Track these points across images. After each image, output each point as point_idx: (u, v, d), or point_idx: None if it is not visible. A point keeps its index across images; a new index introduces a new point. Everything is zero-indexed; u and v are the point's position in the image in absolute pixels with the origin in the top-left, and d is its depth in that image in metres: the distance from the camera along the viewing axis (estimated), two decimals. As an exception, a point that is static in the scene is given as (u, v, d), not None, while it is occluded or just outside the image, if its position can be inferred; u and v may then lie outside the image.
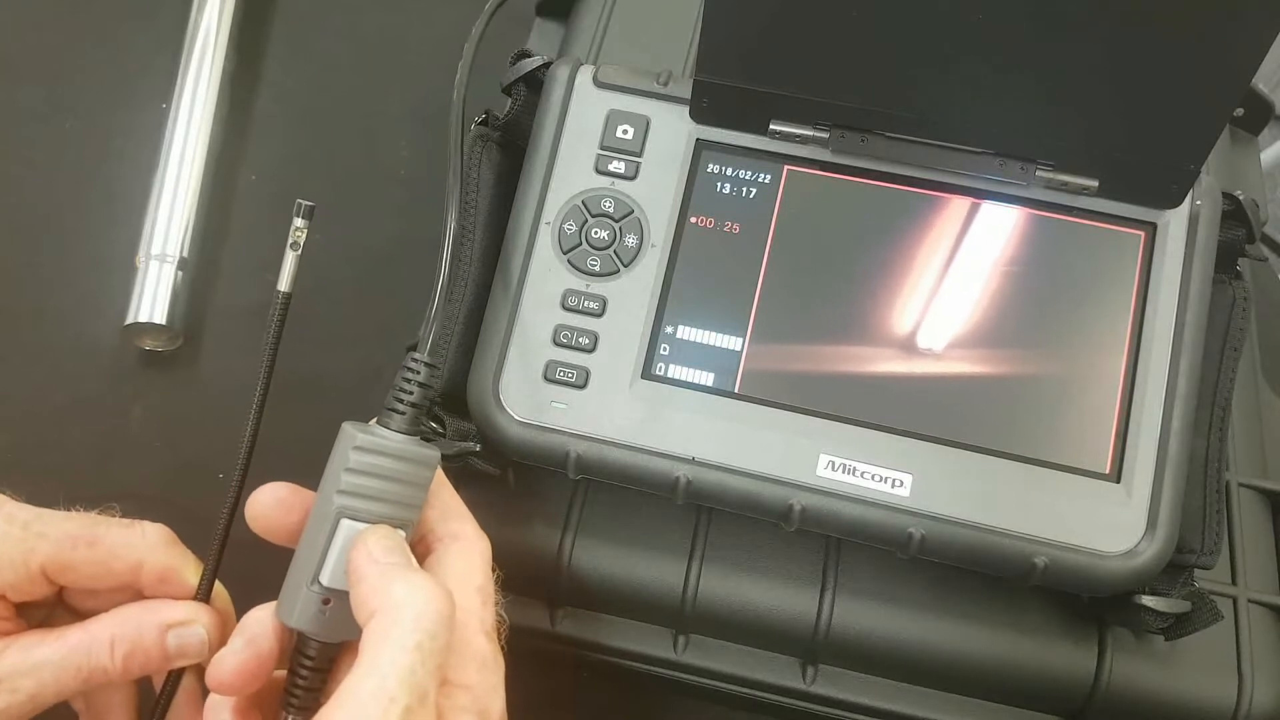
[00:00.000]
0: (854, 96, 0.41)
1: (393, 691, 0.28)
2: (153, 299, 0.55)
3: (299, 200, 0.35)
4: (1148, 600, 0.40)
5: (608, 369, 0.42)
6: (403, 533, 0.33)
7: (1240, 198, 0.42)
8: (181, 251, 0.56)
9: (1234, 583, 0.44)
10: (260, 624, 0.33)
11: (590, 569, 0.44)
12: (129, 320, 0.54)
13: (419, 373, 0.35)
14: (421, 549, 0.35)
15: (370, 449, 0.33)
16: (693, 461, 0.40)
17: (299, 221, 0.35)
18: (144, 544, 0.35)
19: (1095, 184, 0.41)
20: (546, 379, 0.41)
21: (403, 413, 0.34)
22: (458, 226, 0.40)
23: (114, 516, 0.36)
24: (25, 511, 0.34)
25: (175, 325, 0.55)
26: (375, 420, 0.35)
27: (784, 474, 0.40)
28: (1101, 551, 0.39)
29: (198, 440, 0.54)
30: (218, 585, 0.37)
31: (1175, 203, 0.41)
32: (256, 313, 0.57)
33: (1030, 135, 0.41)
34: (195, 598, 0.36)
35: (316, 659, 0.33)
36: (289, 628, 0.33)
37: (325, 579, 0.33)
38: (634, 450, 0.41)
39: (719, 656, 0.45)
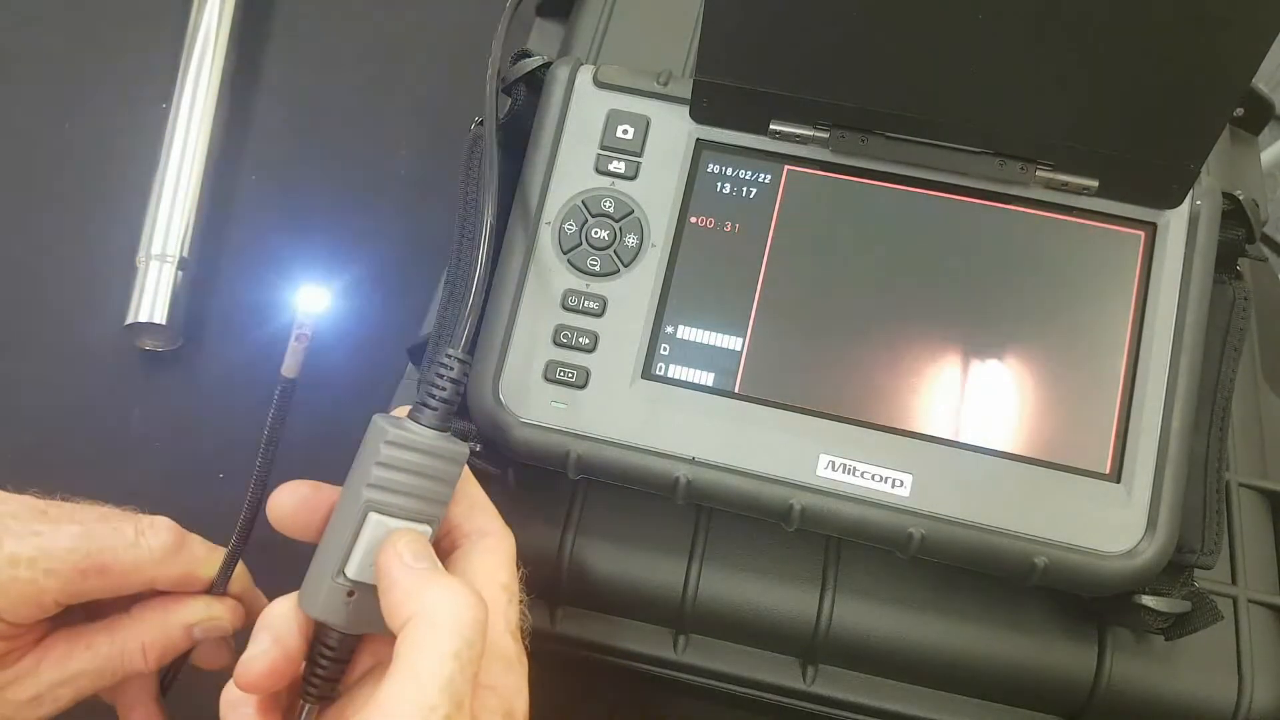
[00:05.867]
0: (854, 96, 0.41)
1: (433, 700, 0.28)
2: (153, 299, 0.55)
3: (297, 327, 0.34)
4: (1148, 600, 0.40)
5: (608, 369, 0.42)
6: (429, 530, 0.33)
7: (1240, 198, 0.42)
8: (181, 251, 0.56)
9: (1234, 583, 0.44)
10: (284, 620, 0.33)
11: (590, 568, 0.44)
12: (129, 320, 0.54)
13: (452, 369, 0.34)
14: (446, 544, 0.36)
15: (401, 444, 0.33)
16: (693, 461, 0.40)
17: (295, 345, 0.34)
18: (151, 561, 0.36)
19: (1095, 184, 0.41)
20: (546, 379, 0.41)
21: (434, 408, 0.34)
22: (493, 221, 0.39)
23: (127, 513, 0.36)
24: (26, 544, 0.34)
25: (175, 325, 0.55)
26: (407, 414, 0.34)
27: (784, 474, 0.40)
28: (1101, 551, 0.39)
29: (198, 440, 0.54)
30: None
31: (1175, 203, 0.41)
32: (256, 313, 0.57)
33: (1030, 135, 0.41)
34: (211, 589, 0.37)
35: (338, 650, 0.33)
36: (311, 618, 0.33)
37: (351, 572, 0.32)
38: (634, 450, 0.41)
39: (719, 656, 0.45)
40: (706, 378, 0.42)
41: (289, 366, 0.34)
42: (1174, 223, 0.42)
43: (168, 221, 0.56)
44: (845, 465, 0.40)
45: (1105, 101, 0.39)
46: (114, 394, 0.55)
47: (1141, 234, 0.42)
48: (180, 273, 0.55)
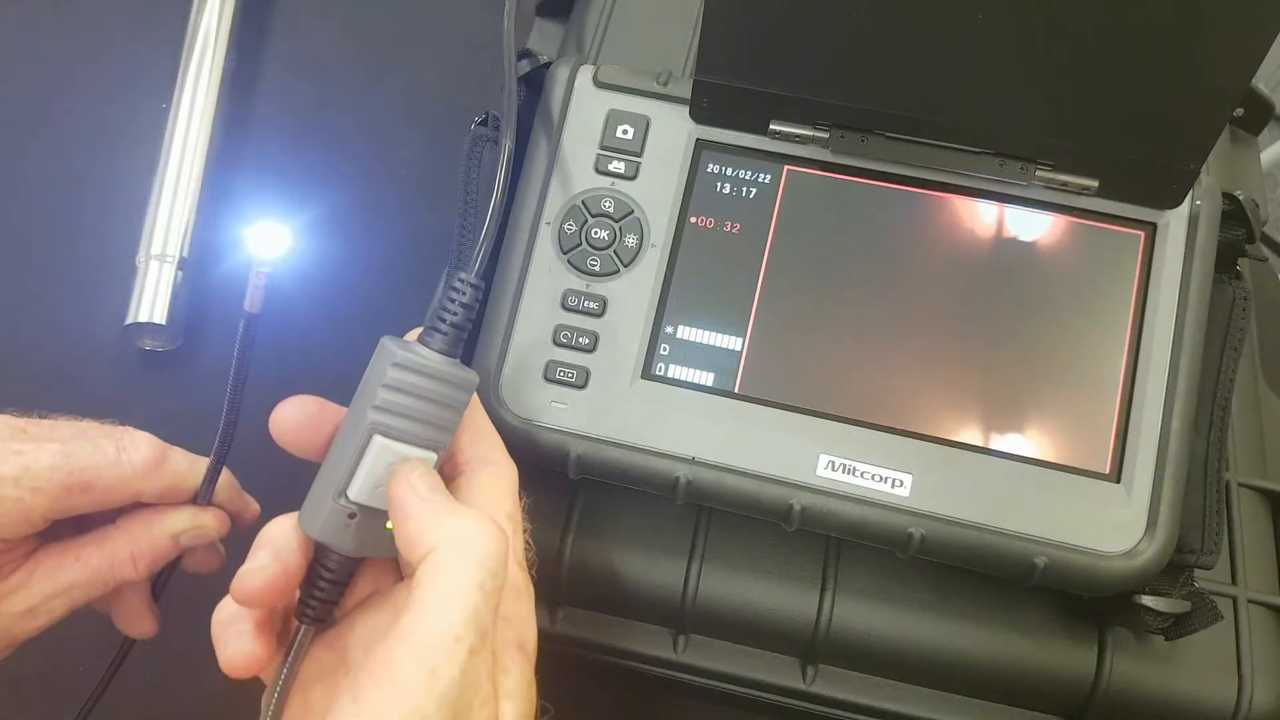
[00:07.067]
0: (854, 96, 0.41)
1: (459, 631, 0.28)
2: (153, 299, 0.55)
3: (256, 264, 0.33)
4: (1148, 600, 0.40)
5: (608, 369, 0.42)
6: (434, 457, 0.33)
7: (1240, 198, 0.42)
8: (181, 251, 0.56)
9: (1234, 583, 0.44)
10: (285, 538, 0.33)
11: (590, 569, 0.44)
12: (129, 320, 0.54)
13: (465, 293, 0.34)
14: (448, 470, 0.35)
15: (409, 367, 0.32)
16: (693, 461, 0.40)
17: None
18: (135, 477, 0.36)
19: (1095, 184, 0.41)
20: (546, 379, 0.41)
21: (445, 333, 0.33)
22: (513, 146, 0.39)
23: (107, 427, 0.37)
24: (10, 464, 0.34)
25: (175, 325, 0.55)
26: (416, 337, 0.34)
27: (784, 474, 0.40)
28: (1101, 551, 0.39)
29: (198, 440, 0.54)
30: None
31: (1175, 203, 0.41)
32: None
33: (1030, 135, 0.41)
34: (195, 500, 0.38)
35: (337, 572, 0.33)
36: (311, 539, 0.33)
37: (353, 493, 0.32)
38: (634, 450, 0.41)
39: (719, 656, 0.45)
40: (706, 378, 0.42)
41: (251, 302, 0.33)
42: (1174, 223, 0.42)
43: (168, 221, 0.56)
44: (845, 465, 0.40)
45: (1105, 101, 0.39)
46: (114, 394, 0.55)
47: (1141, 234, 0.42)
48: (180, 273, 0.55)
